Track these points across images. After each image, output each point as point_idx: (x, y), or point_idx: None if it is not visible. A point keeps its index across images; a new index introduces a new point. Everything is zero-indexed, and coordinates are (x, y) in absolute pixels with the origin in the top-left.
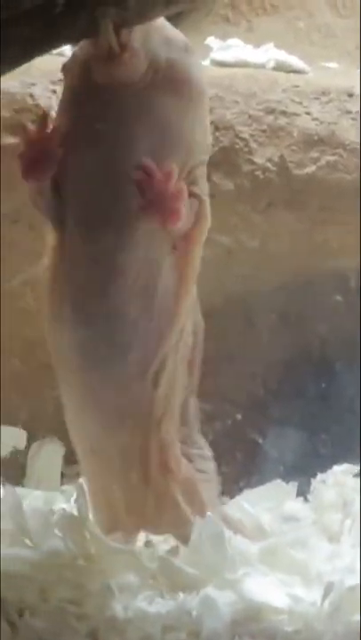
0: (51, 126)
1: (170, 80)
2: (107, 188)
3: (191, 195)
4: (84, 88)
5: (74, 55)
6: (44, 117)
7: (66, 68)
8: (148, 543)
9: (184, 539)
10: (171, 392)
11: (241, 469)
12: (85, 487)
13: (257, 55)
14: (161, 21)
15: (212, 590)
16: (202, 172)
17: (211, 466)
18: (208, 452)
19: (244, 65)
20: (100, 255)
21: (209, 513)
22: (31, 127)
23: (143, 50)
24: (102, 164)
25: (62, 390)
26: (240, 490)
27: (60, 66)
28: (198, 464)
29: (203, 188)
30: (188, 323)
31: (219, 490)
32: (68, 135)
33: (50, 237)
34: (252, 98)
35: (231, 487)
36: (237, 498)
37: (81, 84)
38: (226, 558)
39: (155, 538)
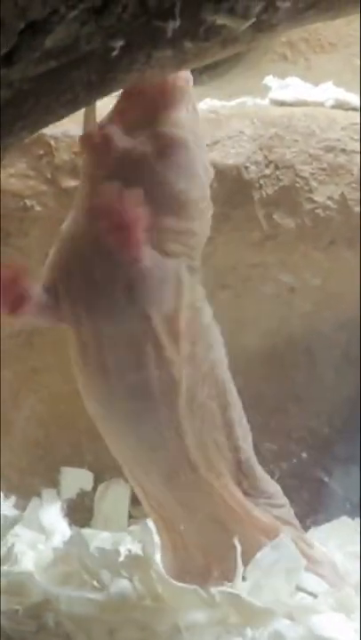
0: (19, 264)
1: (138, 178)
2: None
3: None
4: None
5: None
6: (9, 260)
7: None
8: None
9: None
10: (208, 448)
11: (307, 508)
12: (153, 528)
13: (316, 93)
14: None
15: (281, 625)
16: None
17: (285, 512)
18: (282, 501)
19: (302, 104)
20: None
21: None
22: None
23: (121, 144)
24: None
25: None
26: (307, 528)
27: None
28: (275, 511)
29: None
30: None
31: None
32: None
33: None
34: (312, 136)
35: None
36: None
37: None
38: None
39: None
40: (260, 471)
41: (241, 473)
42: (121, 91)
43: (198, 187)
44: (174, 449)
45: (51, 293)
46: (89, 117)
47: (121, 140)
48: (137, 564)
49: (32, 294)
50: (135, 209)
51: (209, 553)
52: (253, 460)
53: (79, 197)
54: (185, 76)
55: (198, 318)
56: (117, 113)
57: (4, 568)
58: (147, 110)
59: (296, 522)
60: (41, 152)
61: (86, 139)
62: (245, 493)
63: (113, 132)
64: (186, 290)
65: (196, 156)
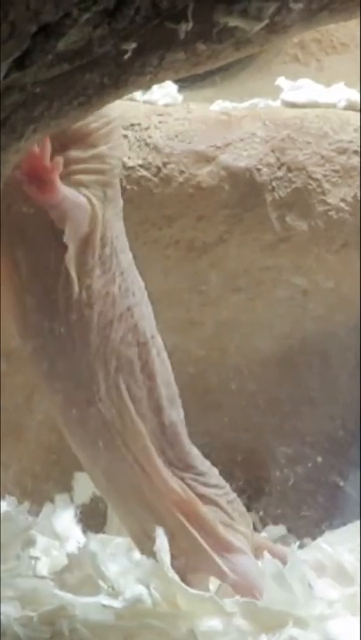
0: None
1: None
2: None
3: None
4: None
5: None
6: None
7: None
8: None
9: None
10: (117, 383)
11: (322, 512)
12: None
13: (328, 95)
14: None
15: (295, 631)
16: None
17: (216, 492)
18: (213, 480)
19: (314, 105)
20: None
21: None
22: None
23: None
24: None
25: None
26: (322, 532)
27: (130, 111)
28: (200, 489)
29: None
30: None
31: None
32: None
33: None
34: (324, 138)
35: (313, 529)
36: (318, 539)
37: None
38: (311, 596)
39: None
40: (189, 445)
41: (165, 440)
42: None
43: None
44: (89, 398)
45: None
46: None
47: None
48: (151, 569)
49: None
50: (42, 157)
51: (134, 532)
52: (182, 429)
53: None
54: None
55: (115, 257)
56: None
57: (19, 574)
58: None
59: (228, 506)
60: None
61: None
62: (169, 464)
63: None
64: (99, 222)
65: None
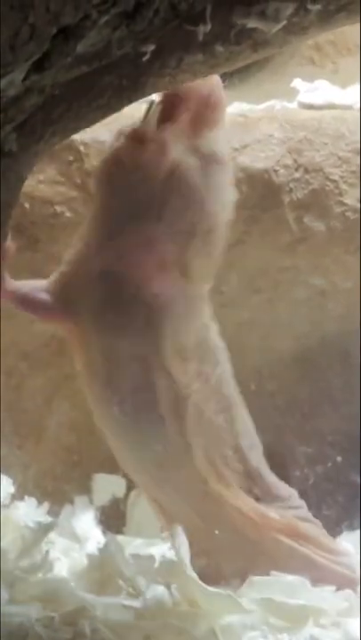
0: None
1: (182, 195)
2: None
3: None
4: (112, 165)
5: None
6: None
7: (115, 135)
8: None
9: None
10: (209, 447)
11: (342, 511)
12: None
13: (344, 96)
14: (214, 135)
15: (316, 630)
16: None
17: (303, 512)
18: (297, 502)
19: (331, 106)
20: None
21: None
22: None
23: (174, 151)
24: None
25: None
26: (341, 532)
27: None
28: (290, 512)
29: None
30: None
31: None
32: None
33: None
34: (341, 139)
35: (333, 529)
36: (338, 539)
37: (112, 159)
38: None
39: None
40: (271, 477)
41: (251, 480)
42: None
43: (227, 211)
44: (183, 464)
45: (58, 298)
46: (151, 114)
47: (174, 148)
48: (171, 569)
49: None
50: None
51: (223, 559)
52: (263, 467)
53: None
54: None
55: (207, 337)
56: (165, 119)
57: (39, 575)
58: (191, 122)
59: (316, 520)
60: (71, 158)
61: (139, 135)
62: (258, 499)
63: (169, 138)
64: (199, 313)
65: (229, 179)
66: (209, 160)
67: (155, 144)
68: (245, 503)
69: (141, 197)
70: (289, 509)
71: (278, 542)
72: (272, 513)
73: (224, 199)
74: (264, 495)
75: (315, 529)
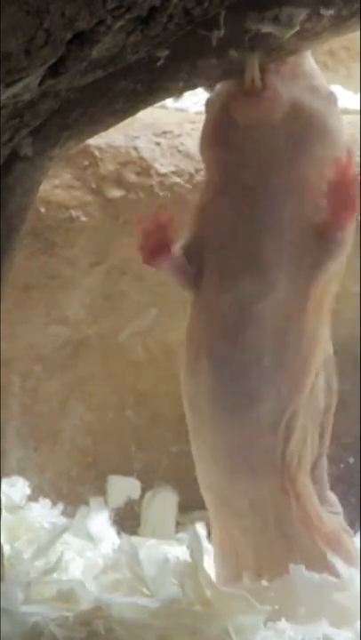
0: (166, 216)
1: (310, 128)
2: (248, 237)
3: None
4: (224, 127)
5: (217, 89)
6: (160, 208)
7: (208, 102)
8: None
9: None
10: (303, 450)
11: (354, 513)
12: (201, 534)
13: (358, 101)
14: (309, 68)
15: (330, 630)
16: None
17: (342, 520)
18: (339, 509)
19: (344, 112)
20: (237, 304)
21: None
22: (147, 218)
23: (287, 93)
24: (243, 214)
25: (193, 441)
26: (354, 533)
27: (162, 119)
28: (335, 518)
29: None
30: (321, 378)
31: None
32: (208, 182)
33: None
34: (355, 144)
35: None
36: None
37: (221, 121)
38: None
39: None
40: (325, 480)
41: (314, 477)
42: None
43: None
44: (269, 440)
45: (192, 260)
46: (252, 66)
47: (286, 91)
48: (186, 570)
49: (172, 250)
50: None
51: (263, 558)
52: (325, 466)
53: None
54: None
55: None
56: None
57: (54, 576)
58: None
59: (350, 530)
60: (86, 162)
61: (251, 88)
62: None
63: (280, 83)
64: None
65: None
66: (319, 95)
67: (270, 91)
68: (310, 497)
69: (268, 148)
70: (334, 515)
71: (315, 545)
72: (326, 517)
73: (342, 129)
74: (319, 496)
75: (349, 540)
